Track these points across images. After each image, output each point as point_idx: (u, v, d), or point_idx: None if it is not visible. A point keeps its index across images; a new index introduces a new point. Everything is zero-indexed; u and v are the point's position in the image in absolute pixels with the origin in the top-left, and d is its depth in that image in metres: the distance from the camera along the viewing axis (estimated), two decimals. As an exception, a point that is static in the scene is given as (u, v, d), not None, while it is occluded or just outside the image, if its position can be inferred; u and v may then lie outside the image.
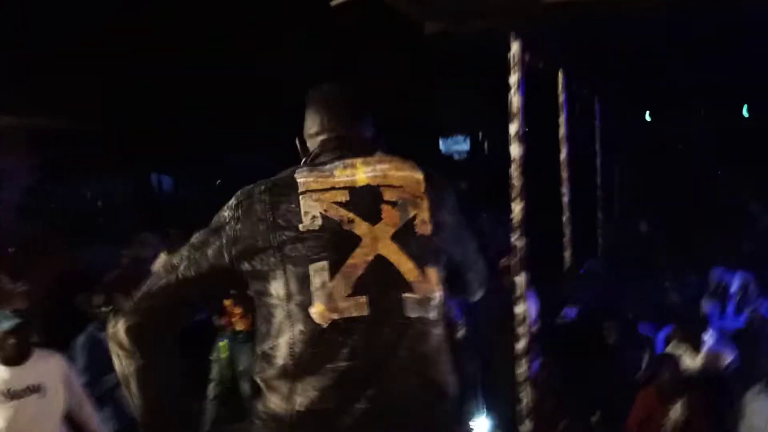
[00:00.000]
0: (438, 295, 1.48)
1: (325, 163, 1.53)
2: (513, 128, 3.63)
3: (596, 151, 7.57)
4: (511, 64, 3.55)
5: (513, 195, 3.72)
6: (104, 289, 4.05)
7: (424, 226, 1.49)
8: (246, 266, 1.45)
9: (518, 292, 3.76)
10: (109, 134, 10.29)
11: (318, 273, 1.39)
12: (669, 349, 4.60)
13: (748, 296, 5.26)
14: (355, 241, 1.42)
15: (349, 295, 1.39)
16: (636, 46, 5.06)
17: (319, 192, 1.46)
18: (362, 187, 1.48)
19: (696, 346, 4.50)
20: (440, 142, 15.59)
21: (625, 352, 4.75)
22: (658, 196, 9.27)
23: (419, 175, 1.54)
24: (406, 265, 1.44)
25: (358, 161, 1.53)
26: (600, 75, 6.40)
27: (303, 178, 1.48)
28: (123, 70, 9.63)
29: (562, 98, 5.74)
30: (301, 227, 1.42)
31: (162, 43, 9.60)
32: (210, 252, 1.47)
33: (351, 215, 1.44)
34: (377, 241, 1.44)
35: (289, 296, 1.40)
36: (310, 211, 1.44)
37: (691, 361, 4.43)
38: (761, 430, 4.01)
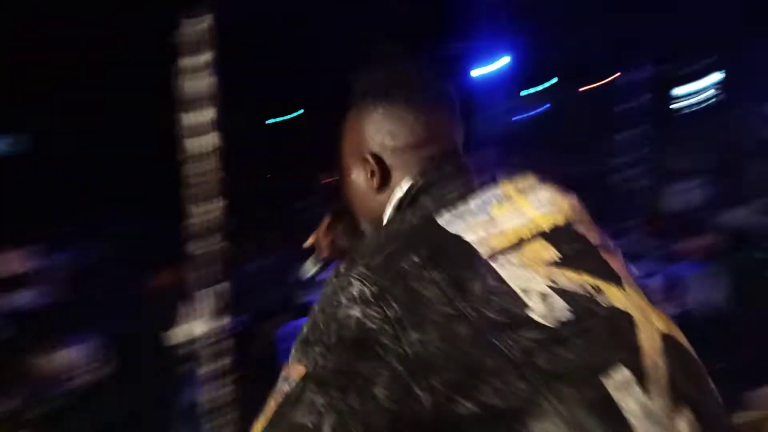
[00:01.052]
0: None
1: (459, 200, 0.93)
2: (200, 116, 3.23)
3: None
4: (193, 43, 3.15)
5: (195, 194, 3.31)
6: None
7: (628, 265, 0.99)
8: (464, 408, 0.77)
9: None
10: None
11: (623, 390, 0.79)
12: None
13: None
14: (625, 321, 0.85)
15: (672, 412, 0.80)
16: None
17: (512, 251, 0.86)
18: (554, 231, 0.91)
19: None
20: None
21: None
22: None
23: (573, 195, 1.02)
24: (682, 338, 0.91)
25: (509, 189, 0.95)
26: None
27: (471, 231, 0.87)
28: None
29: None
30: (536, 316, 0.80)
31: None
32: (381, 392, 0.78)
33: (592, 280, 0.87)
34: (645, 313, 0.87)
35: None
36: (531, 287, 0.83)
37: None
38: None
